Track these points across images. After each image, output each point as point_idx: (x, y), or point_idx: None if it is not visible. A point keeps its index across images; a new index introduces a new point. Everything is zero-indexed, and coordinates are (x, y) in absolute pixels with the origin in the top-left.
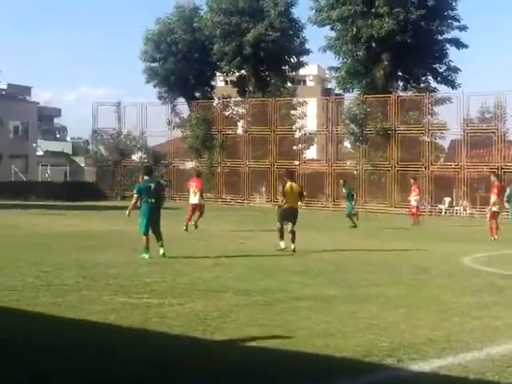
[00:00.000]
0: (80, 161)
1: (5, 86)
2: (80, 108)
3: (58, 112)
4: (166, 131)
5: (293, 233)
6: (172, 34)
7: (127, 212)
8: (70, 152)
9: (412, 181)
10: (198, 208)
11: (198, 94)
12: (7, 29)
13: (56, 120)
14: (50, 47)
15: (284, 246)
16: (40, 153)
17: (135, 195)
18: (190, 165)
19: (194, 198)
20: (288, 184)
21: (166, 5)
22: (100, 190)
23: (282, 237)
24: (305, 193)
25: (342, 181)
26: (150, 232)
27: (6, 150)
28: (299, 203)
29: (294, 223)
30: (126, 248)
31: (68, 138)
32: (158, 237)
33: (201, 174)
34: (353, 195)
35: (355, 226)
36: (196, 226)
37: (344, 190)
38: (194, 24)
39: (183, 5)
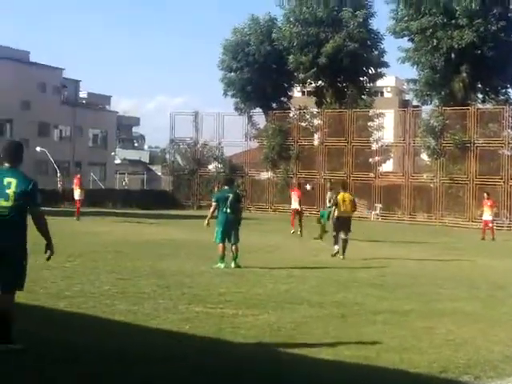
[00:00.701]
0: (157, 169)
1: (85, 95)
2: (158, 117)
3: (136, 121)
4: (243, 141)
5: (345, 241)
6: (248, 44)
7: (206, 221)
8: (148, 161)
9: (485, 195)
10: (299, 213)
11: (274, 105)
12: (88, 39)
13: (134, 129)
14: (129, 57)
15: (337, 249)
16: (118, 161)
17: (213, 204)
18: (265, 175)
19: (295, 203)
20: (341, 194)
21: (243, 14)
22: (176, 199)
23: (336, 242)
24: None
25: (329, 184)
26: (226, 242)
27: (85, 158)
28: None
29: (347, 232)
30: (202, 257)
31: (146, 147)
32: (234, 247)
33: (300, 185)
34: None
35: (320, 238)
36: (301, 235)
37: (329, 195)
38: (273, 34)
39: (258, 16)
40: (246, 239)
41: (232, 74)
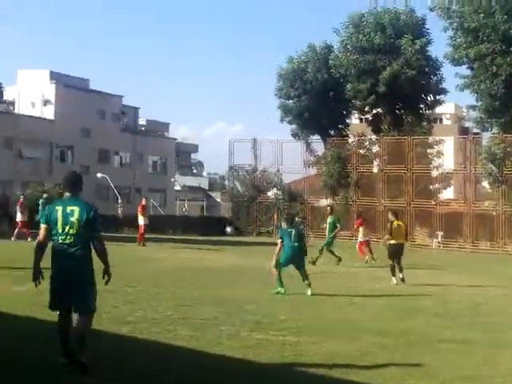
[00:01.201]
0: (216, 196)
1: (144, 122)
2: (216, 144)
3: (195, 148)
4: (301, 168)
5: (401, 268)
6: (305, 72)
7: (273, 263)
8: (207, 187)
9: None
10: (365, 244)
11: (332, 132)
12: (147, 67)
13: (193, 155)
14: (187, 85)
15: (396, 282)
16: (177, 187)
17: (279, 241)
18: (324, 202)
19: (362, 236)
20: (395, 223)
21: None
22: (236, 226)
23: (393, 273)
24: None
25: (328, 208)
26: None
27: (145, 184)
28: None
29: (400, 259)
30: (262, 284)
31: (204, 173)
32: (304, 277)
33: (361, 214)
34: (337, 226)
35: (314, 260)
36: (375, 260)
37: (329, 220)
38: (330, 62)
39: (315, 44)
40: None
41: (289, 101)
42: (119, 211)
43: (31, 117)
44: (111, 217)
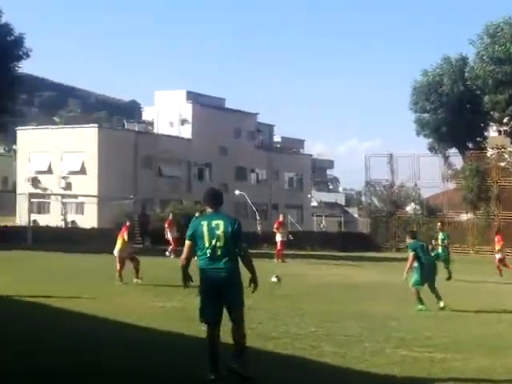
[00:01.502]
0: (353, 211)
1: (279, 139)
2: (350, 159)
3: (330, 164)
4: (440, 182)
5: None
6: (441, 84)
7: (404, 275)
8: (343, 203)
9: None
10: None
11: (470, 145)
12: (280, 86)
13: (328, 171)
14: (321, 103)
15: None
16: (314, 203)
17: (411, 254)
18: (465, 217)
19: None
20: None
21: (432, 55)
22: (374, 241)
23: None
24: None
25: (439, 224)
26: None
27: (282, 201)
28: None
29: None
30: (404, 300)
31: (340, 189)
32: (433, 291)
33: (499, 229)
34: (444, 243)
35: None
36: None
37: (440, 236)
38: (466, 74)
39: (450, 56)
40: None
41: (425, 114)
42: (258, 228)
43: (169, 136)
44: (251, 233)
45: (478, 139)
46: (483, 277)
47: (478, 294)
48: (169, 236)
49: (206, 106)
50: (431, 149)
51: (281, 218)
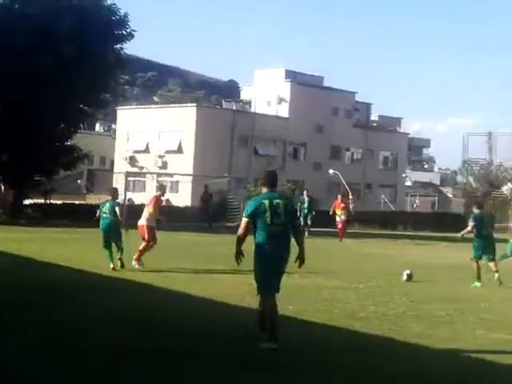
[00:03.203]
0: (447, 191)
1: (376, 118)
2: (449, 139)
3: (427, 143)
4: None
5: None
6: None
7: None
8: (438, 183)
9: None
10: None
11: None
12: (379, 64)
13: (425, 150)
14: (420, 80)
15: None
16: (408, 183)
17: (470, 224)
18: None
19: None
20: None
21: None
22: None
23: None
24: None
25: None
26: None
27: (376, 180)
28: None
29: None
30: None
31: (435, 169)
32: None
33: None
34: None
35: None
36: None
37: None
38: None
39: None
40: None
41: None
42: (351, 207)
43: (267, 115)
44: None
45: None
46: None
47: None
48: None
49: (303, 84)
50: None
51: (339, 198)
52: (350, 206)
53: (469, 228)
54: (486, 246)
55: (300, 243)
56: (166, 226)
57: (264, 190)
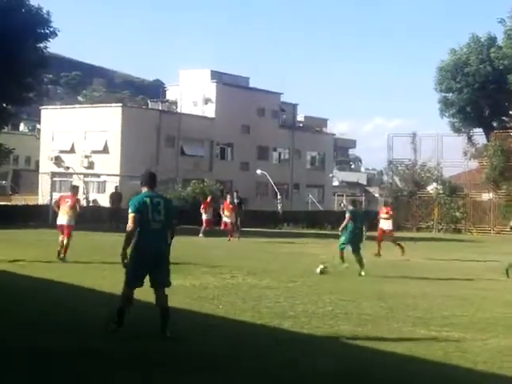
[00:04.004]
0: (374, 191)
1: (302, 119)
2: (373, 139)
3: (352, 143)
4: (462, 162)
5: None
6: (467, 64)
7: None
8: (365, 182)
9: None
10: None
11: (494, 124)
12: (305, 65)
13: (351, 151)
14: (345, 82)
15: None
16: (335, 183)
17: (348, 216)
18: (486, 196)
19: None
20: None
21: (459, 35)
22: (395, 221)
23: None
24: None
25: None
26: None
27: (303, 180)
28: None
29: None
30: (424, 279)
31: (362, 169)
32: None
33: None
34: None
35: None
36: None
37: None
38: (492, 54)
39: (478, 36)
40: (467, 262)
41: (450, 94)
42: (279, 207)
43: (193, 115)
44: (271, 213)
45: (503, 118)
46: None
47: (498, 274)
48: (204, 216)
49: (229, 85)
50: (454, 129)
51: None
52: (279, 206)
53: (346, 220)
54: (354, 238)
55: (172, 238)
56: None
57: (144, 189)
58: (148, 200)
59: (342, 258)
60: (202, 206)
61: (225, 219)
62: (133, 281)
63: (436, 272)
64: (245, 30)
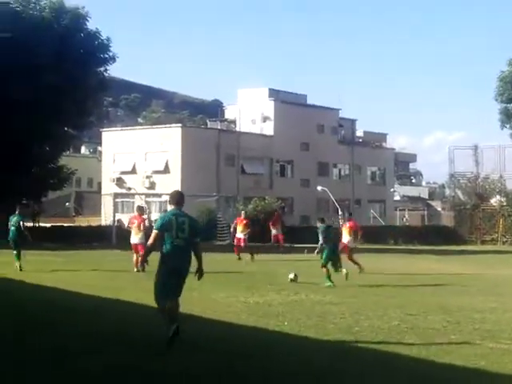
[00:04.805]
0: (436, 205)
1: (361, 134)
2: (434, 153)
3: (413, 157)
4: None
5: None
6: None
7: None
8: (426, 196)
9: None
10: None
11: None
12: (363, 80)
13: (411, 165)
14: (403, 96)
15: None
16: (397, 197)
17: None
18: None
19: None
20: None
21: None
22: (458, 235)
23: None
24: None
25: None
26: None
27: (365, 195)
28: None
29: None
30: (491, 293)
31: (423, 183)
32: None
33: None
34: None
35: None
36: None
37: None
38: None
39: None
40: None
41: (511, 105)
42: (340, 223)
43: (252, 134)
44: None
45: None
46: None
47: None
48: (273, 232)
49: (287, 102)
50: None
51: (243, 215)
52: (340, 222)
53: (320, 241)
54: (332, 254)
55: (198, 257)
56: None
57: (171, 207)
58: (173, 218)
59: (328, 276)
60: (270, 223)
61: (238, 235)
62: (162, 293)
63: (503, 287)
64: (301, 47)
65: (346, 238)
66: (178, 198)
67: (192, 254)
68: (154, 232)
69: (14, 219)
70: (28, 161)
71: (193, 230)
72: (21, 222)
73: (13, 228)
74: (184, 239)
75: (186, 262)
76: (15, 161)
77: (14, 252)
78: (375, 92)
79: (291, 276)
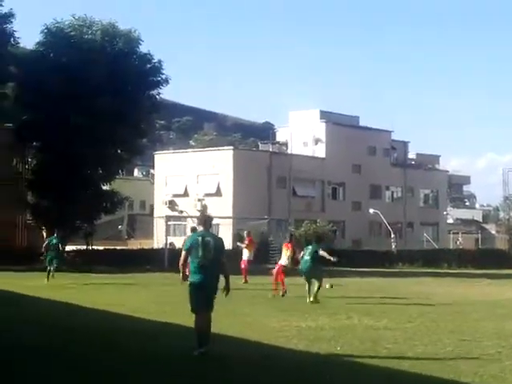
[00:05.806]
0: (490, 228)
1: (414, 156)
2: (487, 175)
3: (466, 179)
4: None
5: None
6: None
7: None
8: (480, 219)
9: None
10: None
11: None
12: (414, 103)
13: (465, 187)
14: (454, 118)
15: None
16: (450, 220)
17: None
18: None
19: None
20: None
21: None
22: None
23: None
24: None
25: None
26: None
27: (417, 218)
28: None
29: None
30: None
31: (477, 205)
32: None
33: None
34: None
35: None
36: None
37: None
38: None
39: None
40: None
41: None
42: (393, 246)
43: (303, 156)
44: (384, 252)
45: None
46: None
47: None
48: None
49: (339, 124)
50: None
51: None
52: (393, 245)
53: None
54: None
55: (225, 276)
56: None
57: (200, 228)
58: (200, 239)
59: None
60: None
61: (244, 257)
62: (194, 307)
63: None
64: (353, 69)
65: (283, 259)
66: (204, 221)
67: (219, 271)
68: (183, 252)
69: (53, 241)
70: (81, 183)
71: (218, 250)
72: (59, 245)
73: (51, 249)
74: (208, 258)
75: (211, 278)
76: (69, 183)
77: (49, 268)
78: (426, 114)
79: (327, 286)
